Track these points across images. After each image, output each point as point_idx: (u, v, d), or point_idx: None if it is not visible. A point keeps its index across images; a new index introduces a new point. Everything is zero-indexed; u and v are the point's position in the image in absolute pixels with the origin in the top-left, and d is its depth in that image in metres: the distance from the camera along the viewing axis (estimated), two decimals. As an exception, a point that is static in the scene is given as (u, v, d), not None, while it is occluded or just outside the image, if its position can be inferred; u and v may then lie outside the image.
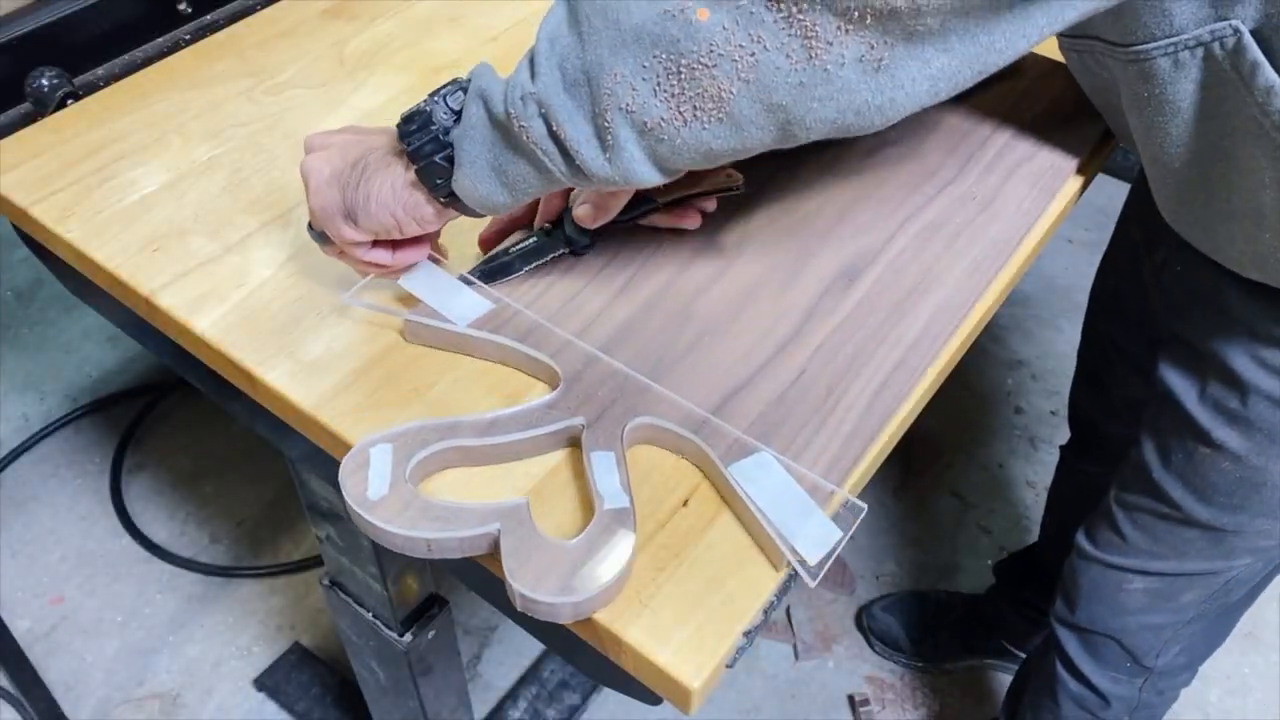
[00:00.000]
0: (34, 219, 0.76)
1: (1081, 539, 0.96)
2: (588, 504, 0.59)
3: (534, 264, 0.72)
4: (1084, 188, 0.85)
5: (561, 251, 0.72)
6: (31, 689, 1.40)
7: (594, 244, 0.73)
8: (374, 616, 0.93)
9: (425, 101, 0.61)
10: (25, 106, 0.86)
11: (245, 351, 0.67)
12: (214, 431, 1.73)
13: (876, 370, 0.67)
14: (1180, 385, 0.83)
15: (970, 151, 0.84)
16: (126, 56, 0.93)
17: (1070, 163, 0.83)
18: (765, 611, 0.57)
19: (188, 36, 0.96)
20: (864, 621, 1.53)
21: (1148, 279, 0.89)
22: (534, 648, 1.49)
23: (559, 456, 0.62)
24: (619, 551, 0.55)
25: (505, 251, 0.72)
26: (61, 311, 1.92)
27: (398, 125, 0.61)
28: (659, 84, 0.51)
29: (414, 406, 0.64)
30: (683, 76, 0.50)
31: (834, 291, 0.72)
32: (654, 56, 0.50)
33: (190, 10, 0.96)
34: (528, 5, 1.00)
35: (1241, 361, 0.76)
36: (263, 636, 1.50)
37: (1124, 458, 1.12)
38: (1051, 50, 0.92)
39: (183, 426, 1.75)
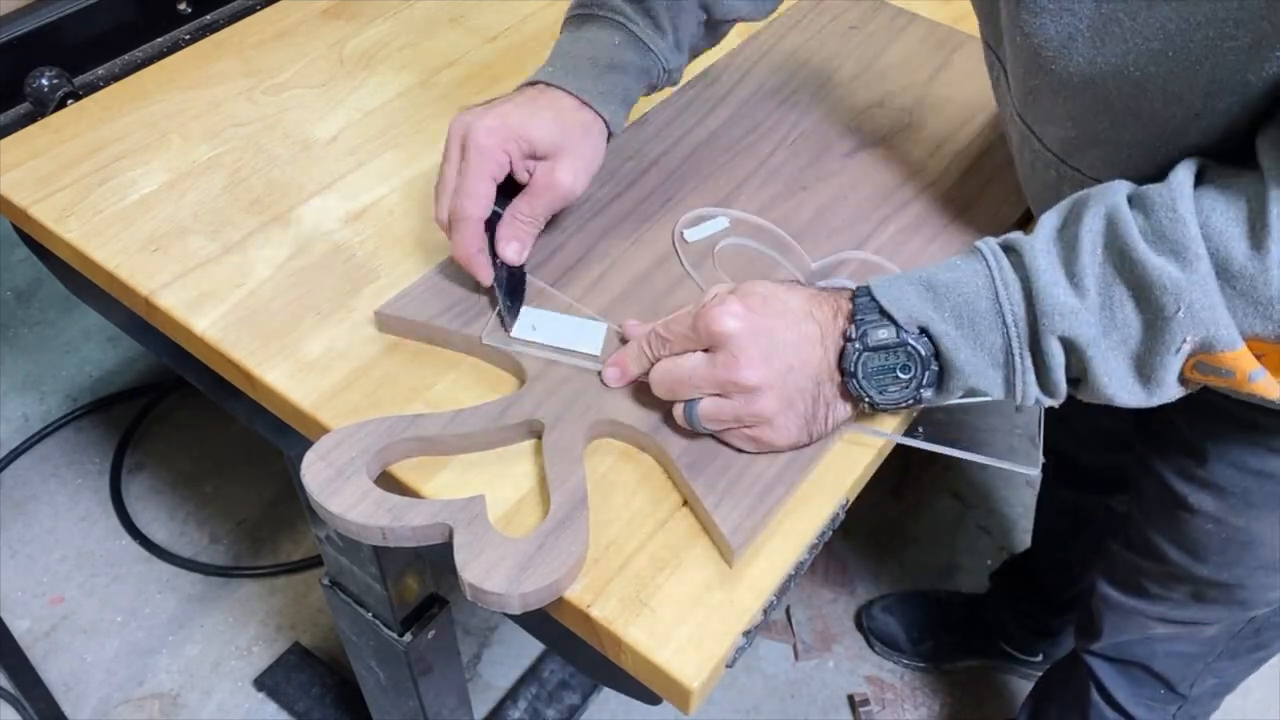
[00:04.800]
0: (34, 219, 0.77)
1: (1105, 587, 0.94)
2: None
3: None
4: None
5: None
6: (31, 689, 1.40)
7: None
8: (374, 616, 0.93)
9: (885, 357, 0.57)
10: (25, 106, 0.86)
11: (245, 351, 0.68)
12: (214, 431, 1.73)
13: None
14: (1151, 449, 0.83)
15: (954, 152, 0.84)
16: (126, 56, 0.93)
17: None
18: (765, 611, 0.57)
19: (188, 36, 0.96)
20: (864, 621, 1.53)
21: None
22: (534, 648, 1.49)
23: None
24: (569, 546, 0.55)
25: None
26: (61, 311, 1.92)
27: (869, 397, 0.58)
28: None
29: (414, 406, 0.65)
30: None
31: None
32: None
33: (190, 10, 0.96)
34: (528, 5, 1.00)
35: (1196, 425, 0.76)
36: (263, 636, 1.50)
37: (1105, 487, 1.12)
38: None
39: (183, 426, 1.75)
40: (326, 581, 0.96)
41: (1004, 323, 0.55)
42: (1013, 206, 0.79)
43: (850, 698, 1.47)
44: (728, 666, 0.55)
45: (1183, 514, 0.80)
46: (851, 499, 0.63)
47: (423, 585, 0.91)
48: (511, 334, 0.66)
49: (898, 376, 0.57)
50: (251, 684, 1.45)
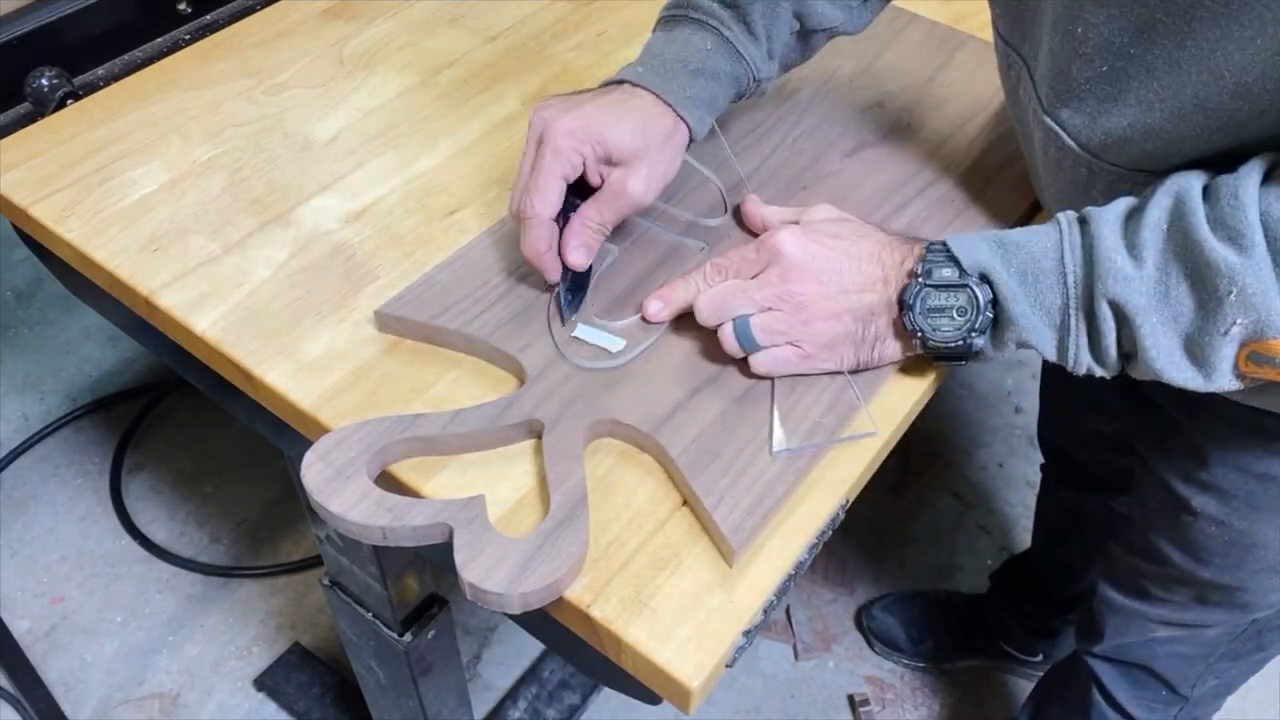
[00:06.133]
0: (34, 219, 0.77)
1: (1107, 589, 0.94)
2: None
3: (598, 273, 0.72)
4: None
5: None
6: (31, 689, 1.40)
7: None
8: (374, 616, 0.93)
9: (934, 305, 0.60)
10: (25, 106, 0.86)
11: (245, 351, 0.68)
12: (214, 431, 1.73)
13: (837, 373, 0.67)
14: (1153, 453, 0.83)
15: (952, 154, 0.84)
16: (126, 56, 0.93)
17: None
18: (765, 611, 0.57)
19: (188, 36, 0.96)
20: (864, 621, 1.54)
21: None
22: (534, 648, 1.49)
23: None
24: (569, 546, 0.55)
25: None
26: (61, 311, 1.92)
27: (924, 340, 0.61)
28: None
29: (414, 406, 0.65)
30: None
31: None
32: None
33: (190, 10, 0.96)
34: (528, 5, 1.00)
35: (1199, 428, 0.76)
36: (263, 636, 1.50)
37: (1105, 488, 1.12)
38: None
39: (183, 426, 1.75)
40: (326, 581, 0.96)
41: (1065, 284, 0.56)
42: (1013, 205, 0.79)
43: (850, 698, 1.48)
44: (728, 666, 0.55)
45: (1185, 517, 0.80)
46: (851, 499, 0.63)
47: (423, 585, 0.91)
48: (574, 334, 0.67)
49: (953, 317, 0.59)
50: (251, 684, 1.45)
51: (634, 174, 0.67)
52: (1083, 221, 0.58)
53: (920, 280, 0.60)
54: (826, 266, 0.62)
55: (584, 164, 0.66)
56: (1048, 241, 0.58)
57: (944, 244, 0.60)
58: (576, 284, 0.70)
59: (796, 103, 0.88)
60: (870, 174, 0.81)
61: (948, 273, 0.59)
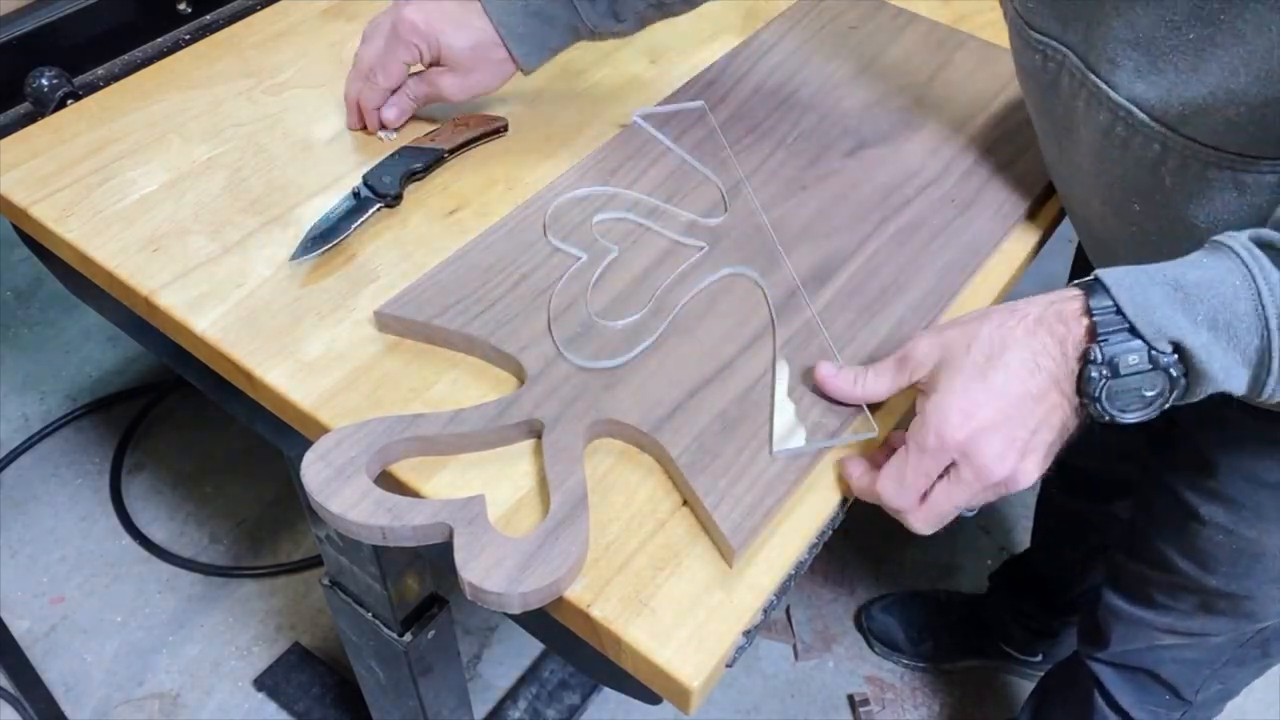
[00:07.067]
0: (34, 219, 0.77)
1: (1113, 597, 0.94)
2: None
3: (357, 222, 0.75)
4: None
5: (378, 206, 0.77)
6: (31, 689, 1.40)
7: (403, 194, 0.78)
8: (374, 616, 0.93)
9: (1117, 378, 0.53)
10: (25, 106, 0.86)
11: (245, 351, 0.68)
12: (214, 431, 1.73)
13: None
14: (1161, 461, 0.83)
15: (953, 153, 0.84)
16: (126, 56, 0.93)
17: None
18: (765, 611, 0.57)
19: (188, 36, 0.96)
20: (863, 621, 1.53)
21: None
22: (534, 648, 1.49)
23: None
24: (569, 546, 0.55)
25: (326, 218, 0.75)
26: (61, 311, 1.92)
27: (1110, 416, 0.54)
28: None
29: (414, 406, 0.65)
30: None
31: (805, 291, 0.72)
32: None
33: (190, 10, 0.96)
34: (528, 5, 1.00)
35: (1208, 437, 0.76)
36: (263, 636, 1.50)
37: (1106, 494, 1.12)
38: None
39: (183, 426, 1.75)
40: (326, 581, 0.96)
41: (1266, 326, 0.51)
42: (1013, 206, 0.80)
43: (850, 698, 1.48)
44: (728, 666, 0.55)
45: (1194, 525, 0.79)
46: (852, 499, 0.63)
47: (423, 585, 0.91)
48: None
49: (1142, 395, 0.52)
50: (251, 684, 1.45)
51: (452, 75, 0.79)
52: (1265, 246, 0.52)
53: (1104, 371, 0.52)
54: (1009, 427, 0.53)
55: (419, 57, 0.78)
56: (1234, 279, 0.51)
57: (1111, 298, 0.52)
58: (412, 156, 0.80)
59: (796, 103, 0.88)
60: (870, 174, 0.81)
61: (1134, 359, 0.51)
